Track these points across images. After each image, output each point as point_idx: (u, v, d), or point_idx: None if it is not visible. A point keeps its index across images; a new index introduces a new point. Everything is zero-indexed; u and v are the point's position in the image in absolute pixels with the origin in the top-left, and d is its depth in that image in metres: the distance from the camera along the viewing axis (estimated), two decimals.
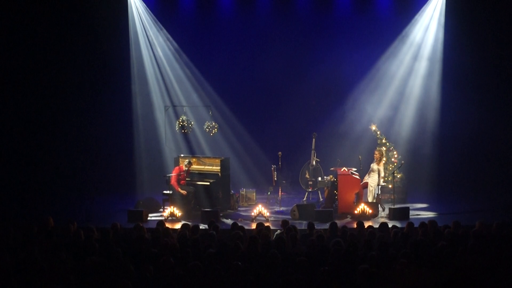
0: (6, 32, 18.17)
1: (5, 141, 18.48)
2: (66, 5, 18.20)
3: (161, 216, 15.69)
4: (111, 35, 18.22)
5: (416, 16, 18.88)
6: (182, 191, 16.30)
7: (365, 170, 16.80)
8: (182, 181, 16.60)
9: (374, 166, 16.57)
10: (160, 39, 19.28)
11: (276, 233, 11.80)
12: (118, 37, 18.52)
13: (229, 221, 15.13)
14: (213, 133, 18.43)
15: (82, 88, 18.78)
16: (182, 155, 17.65)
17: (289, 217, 15.33)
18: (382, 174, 16.50)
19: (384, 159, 17.97)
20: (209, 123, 18.35)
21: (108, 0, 18.02)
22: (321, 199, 17.79)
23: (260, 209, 15.41)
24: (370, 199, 16.16)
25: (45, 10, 18.14)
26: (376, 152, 16.71)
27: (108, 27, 18.00)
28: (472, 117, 18.10)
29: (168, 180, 16.45)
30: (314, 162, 18.25)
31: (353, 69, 18.48)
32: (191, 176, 17.08)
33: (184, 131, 18.44)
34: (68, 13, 18.23)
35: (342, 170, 16.56)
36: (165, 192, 16.45)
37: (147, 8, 18.99)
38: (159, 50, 19.37)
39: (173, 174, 16.45)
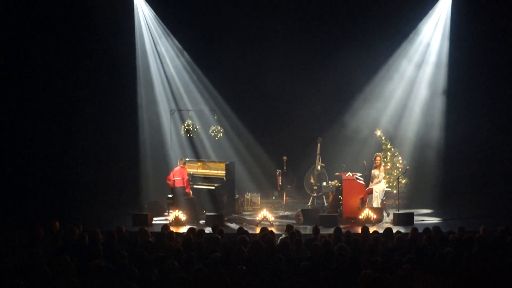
0: (14, 39, 18.24)
1: (10, 145, 18.53)
2: (71, 9, 18.24)
3: (166, 220, 15.74)
4: (117, 39, 18.24)
5: (423, 21, 18.88)
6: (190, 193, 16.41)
7: (370, 175, 16.77)
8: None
9: (375, 172, 16.54)
10: (166, 43, 19.32)
11: (281, 237, 11.80)
12: (124, 41, 18.54)
13: (233, 225, 15.18)
14: (218, 137, 18.49)
15: (88, 91, 18.80)
16: (187, 159, 17.70)
17: (294, 221, 15.35)
18: (380, 178, 16.44)
19: (389, 165, 17.99)
20: (214, 128, 18.40)
21: (114, 4, 18.04)
22: (325, 204, 17.80)
23: (264, 214, 15.43)
24: (375, 205, 16.14)
25: (53, 17, 18.19)
26: (378, 158, 16.66)
27: (114, 32, 18.02)
28: (477, 123, 18.08)
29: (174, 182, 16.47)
30: (319, 167, 18.26)
31: (359, 74, 18.47)
32: (196, 180, 17.11)
33: (190, 135, 18.50)
34: (73, 17, 18.27)
35: (347, 175, 16.56)
36: (169, 196, 16.49)
37: (154, 13, 19.04)
38: (165, 54, 19.40)
39: (179, 178, 16.44)
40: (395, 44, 18.85)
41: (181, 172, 16.62)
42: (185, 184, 16.37)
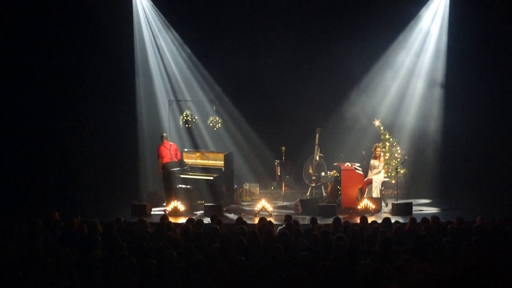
0: (12, 32, 18.16)
1: (9, 136, 18.51)
2: (69, 1, 18.19)
3: (165, 210, 15.75)
4: (115, 30, 18.13)
5: (422, 10, 18.81)
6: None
7: (368, 166, 16.77)
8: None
9: (375, 162, 16.54)
10: (165, 34, 19.27)
11: (280, 228, 11.82)
12: (122, 33, 18.47)
13: (232, 216, 15.18)
14: (216, 128, 18.46)
15: (86, 83, 18.76)
16: (186, 150, 17.70)
17: (293, 212, 15.37)
18: (380, 169, 16.46)
19: (387, 155, 17.99)
20: (212, 118, 18.36)
21: None
22: (324, 194, 17.82)
23: (263, 204, 15.43)
24: (374, 195, 16.14)
25: (50, 9, 18.11)
26: (378, 149, 16.67)
27: (112, 23, 17.92)
28: (476, 112, 18.07)
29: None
30: (317, 157, 18.26)
31: (357, 64, 18.42)
32: (195, 170, 17.12)
33: (188, 125, 18.47)
34: (71, 9, 18.20)
35: (345, 165, 16.56)
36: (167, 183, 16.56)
37: (152, 4, 18.98)
38: (163, 45, 19.36)
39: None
40: (393, 33, 18.78)
41: (175, 149, 16.79)
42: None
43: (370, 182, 16.35)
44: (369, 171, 16.59)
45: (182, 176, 16.86)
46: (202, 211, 15.64)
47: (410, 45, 18.94)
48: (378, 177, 16.35)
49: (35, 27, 18.16)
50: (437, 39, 18.79)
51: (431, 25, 18.86)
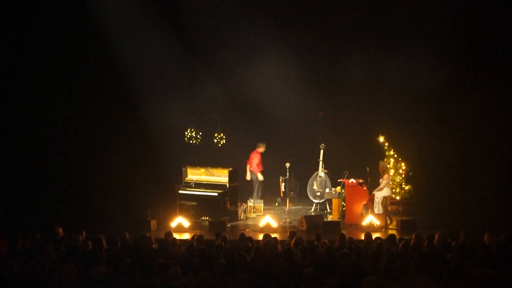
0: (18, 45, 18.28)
1: (16, 150, 18.55)
2: (73, 10, 18.30)
3: (169, 226, 15.73)
4: (119, 46, 18.25)
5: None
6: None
7: (372, 182, 16.73)
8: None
9: (380, 179, 16.52)
10: (170, 47, 19.35)
11: (284, 244, 11.79)
12: (126, 49, 18.58)
13: (236, 232, 15.16)
14: (221, 144, 18.49)
15: (91, 98, 18.82)
16: (190, 166, 17.70)
17: (297, 228, 15.35)
18: (382, 186, 16.35)
19: (392, 171, 17.94)
20: (217, 134, 18.41)
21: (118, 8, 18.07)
22: (328, 210, 17.80)
23: (267, 220, 15.44)
24: (376, 211, 16.11)
25: (56, 18, 18.24)
26: (379, 166, 16.63)
27: (116, 38, 18.04)
28: (481, 127, 18.04)
29: None
30: (322, 173, 18.24)
31: (361, 79, 18.47)
32: (199, 186, 17.12)
33: (193, 141, 18.50)
34: (76, 18, 18.31)
35: (350, 181, 16.56)
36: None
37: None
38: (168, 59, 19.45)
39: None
40: (397, 48, 18.79)
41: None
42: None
43: (373, 198, 16.33)
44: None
45: (186, 192, 16.87)
46: (207, 227, 15.63)
47: (415, 59, 18.93)
48: (379, 193, 16.31)
49: (41, 44, 18.29)
50: (441, 52, 18.79)
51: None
